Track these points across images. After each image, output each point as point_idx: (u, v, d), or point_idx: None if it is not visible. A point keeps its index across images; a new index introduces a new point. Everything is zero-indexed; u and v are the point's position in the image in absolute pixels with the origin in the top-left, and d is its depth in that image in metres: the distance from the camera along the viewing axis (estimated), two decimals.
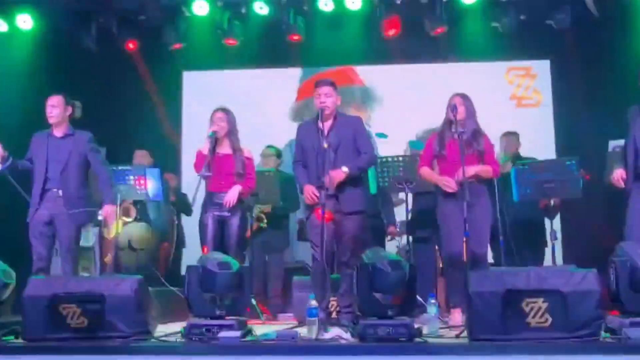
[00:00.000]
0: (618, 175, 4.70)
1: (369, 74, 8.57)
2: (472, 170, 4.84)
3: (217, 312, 4.00)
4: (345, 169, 4.67)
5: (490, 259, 6.05)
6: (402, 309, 3.89)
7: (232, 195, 5.16)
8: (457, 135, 4.83)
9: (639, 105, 4.77)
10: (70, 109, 5.16)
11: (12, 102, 7.61)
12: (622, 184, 4.70)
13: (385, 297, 3.87)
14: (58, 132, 5.13)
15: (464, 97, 5.02)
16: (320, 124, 4.72)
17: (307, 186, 4.71)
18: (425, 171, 5.14)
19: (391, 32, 7.77)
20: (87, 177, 5.18)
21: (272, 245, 6.48)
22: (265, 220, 6.28)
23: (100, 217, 5.34)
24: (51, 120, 5.11)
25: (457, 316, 4.78)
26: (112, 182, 5.29)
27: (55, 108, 5.09)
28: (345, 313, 4.65)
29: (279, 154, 6.79)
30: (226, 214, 5.17)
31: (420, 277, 5.94)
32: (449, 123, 5.01)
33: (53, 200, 5.00)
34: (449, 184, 4.86)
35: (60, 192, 5.01)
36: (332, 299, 5.11)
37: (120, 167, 6.10)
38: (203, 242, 5.19)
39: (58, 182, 5.02)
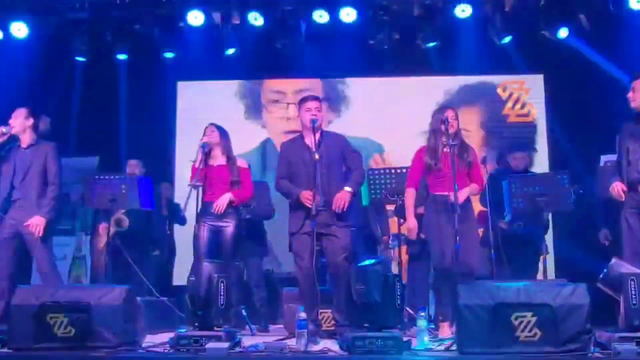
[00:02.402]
0: (618, 187, 4.65)
1: (362, 87, 8.58)
2: (464, 195, 4.87)
3: None
4: (348, 188, 4.68)
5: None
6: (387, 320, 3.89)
7: (222, 202, 5.10)
8: (450, 148, 4.84)
9: (632, 121, 4.78)
10: (31, 120, 5.26)
11: (5, 111, 7.58)
12: (622, 196, 4.61)
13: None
14: (24, 144, 5.26)
15: (454, 110, 5.03)
16: (308, 139, 4.75)
17: (305, 192, 4.68)
18: (409, 197, 5.00)
19: None
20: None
21: (250, 252, 6.42)
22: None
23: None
24: (12, 130, 5.24)
25: (446, 329, 4.76)
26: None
27: (16, 119, 5.25)
28: (340, 326, 4.64)
29: None
30: (221, 224, 5.14)
31: (412, 292, 5.98)
32: (438, 135, 4.97)
33: (16, 210, 5.09)
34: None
35: (21, 201, 5.09)
36: (322, 310, 5.09)
37: (113, 177, 6.08)
38: (197, 251, 5.13)
39: (20, 191, 5.12)
